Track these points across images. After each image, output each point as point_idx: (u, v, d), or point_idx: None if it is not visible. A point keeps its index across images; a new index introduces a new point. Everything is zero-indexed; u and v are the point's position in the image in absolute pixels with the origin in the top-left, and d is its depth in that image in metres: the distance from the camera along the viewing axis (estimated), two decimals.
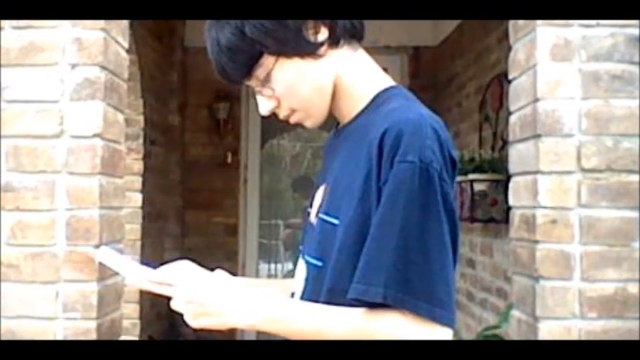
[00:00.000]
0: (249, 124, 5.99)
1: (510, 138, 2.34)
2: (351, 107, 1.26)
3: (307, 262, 1.25)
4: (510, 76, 2.34)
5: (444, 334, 1.07)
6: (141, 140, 4.64)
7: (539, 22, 2.11)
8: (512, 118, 2.32)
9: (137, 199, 4.57)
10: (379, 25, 5.44)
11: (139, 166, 4.62)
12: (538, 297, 2.06)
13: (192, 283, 1.19)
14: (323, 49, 1.21)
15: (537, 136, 2.09)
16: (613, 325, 2.03)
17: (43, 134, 2.12)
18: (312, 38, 1.20)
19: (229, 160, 5.83)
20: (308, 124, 1.29)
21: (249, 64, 1.21)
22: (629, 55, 2.10)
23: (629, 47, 2.10)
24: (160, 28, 5.16)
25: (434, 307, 1.05)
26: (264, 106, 1.27)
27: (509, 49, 2.36)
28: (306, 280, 1.24)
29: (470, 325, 4.60)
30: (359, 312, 1.09)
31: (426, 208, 1.06)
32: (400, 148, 1.07)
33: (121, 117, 2.32)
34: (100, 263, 1.33)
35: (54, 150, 2.12)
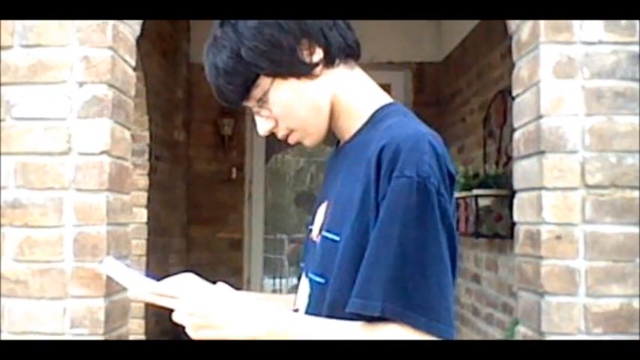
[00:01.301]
0: (253, 139, 6.01)
1: (514, 154, 2.35)
2: (350, 125, 1.27)
3: (310, 279, 1.26)
4: (514, 93, 2.36)
5: None
6: (146, 156, 4.66)
7: (542, 39, 2.13)
8: (516, 135, 2.33)
9: (143, 214, 4.59)
10: (383, 41, 5.48)
11: (144, 181, 4.64)
12: (543, 313, 2.07)
13: (194, 296, 1.19)
14: (318, 69, 1.22)
15: (541, 153, 2.11)
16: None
17: (51, 151, 2.14)
18: (307, 59, 1.21)
19: (234, 175, 5.85)
20: (307, 143, 1.30)
21: (246, 86, 1.22)
22: (631, 72, 2.12)
23: (631, 64, 2.12)
24: (165, 44, 5.19)
25: (432, 321, 1.06)
26: (263, 127, 1.28)
27: (513, 65, 2.38)
28: (310, 296, 1.25)
29: None
30: (358, 325, 1.09)
31: (424, 222, 1.07)
32: (398, 164, 1.08)
33: (127, 134, 2.34)
34: (107, 275, 1.34)
35: (62, 167, 2.14)
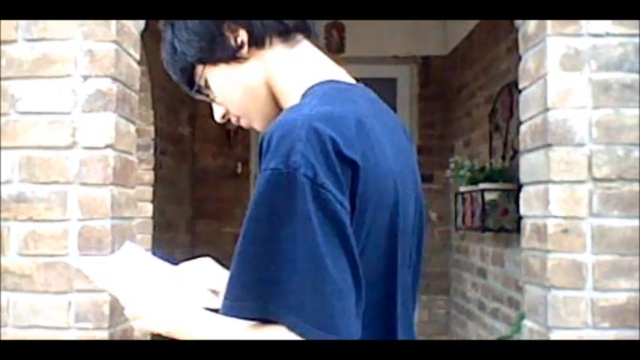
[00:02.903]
0: (259, 134, 6.00)
1: (521, 147, 2.34)
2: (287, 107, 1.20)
3: None
4: (520, 86, 2.34)
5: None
6: (151, 151, 4.66)
7: (548, 31, 2.12)
8: (523, 128, 2.32)
9: (148, 209, 4.59)
10: (388, 35, 5.46)
11: (149, 176, 4.64)
12: (550, 307, 2.06)
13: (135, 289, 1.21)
14: (244, 51, 1.18)
15: (548, 146, 2.09)
16: (625, 335, 2.02)
17: (56, 145, 2.14)
18: (232, 42, 1.18)
19: (239, 170, 5.84)
20: (256, 127, 1.26)
21: (188, 76, 1.24)
22: (638, 65, 2.10)
23: (638, 56, 2.10)
24: None
25: (313, 328, 0.94)
26: (216, 113, 1.28)
27: (519, 58, 2.37)
28: None
29: (481, 335, 4.59)
30: (245, 325, 1.02)
31: (292, 218, 0.95)
32: (267, 155, 0.98)
33: (132, 128, 2.33)
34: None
35: (66, 161, 2.13)
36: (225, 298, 1.00)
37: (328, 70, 1.21)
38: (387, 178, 1.04)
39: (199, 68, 1.22)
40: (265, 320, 0.96)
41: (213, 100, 1.26)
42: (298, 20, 1.20)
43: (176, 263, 1.34)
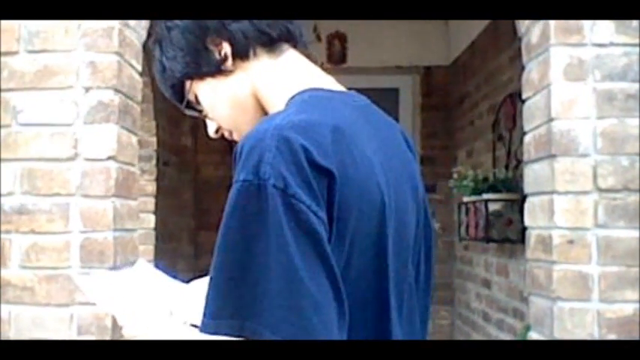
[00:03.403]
0: None
1: (525, 158, 2.33)
2: None
3: None
4: (524, 96, 2.33)
5: None
6: (154, 162, 4.66)
7: (552, 41, 2.11)
8: (527, 138, 2.30)
9: (150, 220, 4.58)
10: (391, 45, 5.46)
11: (151, 187, 4.63)
12: (556, 318, 2.04)
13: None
14: (228, 64, 1.17)
15: (552, 156, 2.08)
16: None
17: (58, 157, 2.13)
18: (216, 55, 1.17)
19: None
20: None
21: (178, 92, 1.24)
22: None
23: None
24: None
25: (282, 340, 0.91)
26: (209, 128, 1.27)
27: (522, 68, 2.36)
28: None
29: None
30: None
31: (264, 230, 0.92)
32: (238, 167, 0.96)
33: (134, 139, 2.32)
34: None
35: (68, 173, 2.13)
36: (203, 314, 0.96)
37: (313, 78, 1.18)
38: (370, 185, 1.01)
39: (187, 84, 1.22)
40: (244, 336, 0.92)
41: (205, 116, 1.25)
42: (282, 30, 1.18)
43: (186, 281, 1.32)
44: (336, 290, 0.94)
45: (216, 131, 1.26)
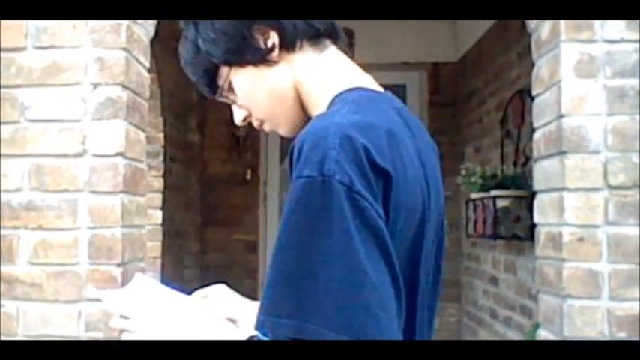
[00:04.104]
0: (268, 140, 5.99)
1: (535, 155, 2.31)
2: (316, 111, 1.17)
3: None
4: (534, 92, 2.32)
5: None
6: (161, 158, 4.66)
7: (562, 37, 2.09)
8: (537, 135, 2.29)
9: (157, 216, 4.58)
10: (398, 41, 5.45)
11: (158, 183, 4.63)
12: (566, 316, 2.03)
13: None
14: (274, 54, 1.16)
15: (563, 153, 2.07)
16: None
17: (66, 153, 2.13)
18: (261, 45, 1.16)
19: (249, 177, 5.83)
20: (281, 132, 1.24)
21: (210, 76, 1.21)
22: None
23: None
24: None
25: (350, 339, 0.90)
26: (237, 116, 1.24)
27: (532, 65, 2.34)
28: None
29: None
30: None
31: (330, 226, 0.91)
32: (299, 163, 0.95)
33: (142, 136, 2.32)
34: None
35: (76, 169, 2.12)
36: (259, 312, 0.95)
37: (356, 76, 1.18)
38: (416, 189, 1.02)
39: (224, 70, 1.19)
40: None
41: (233, 103, 1.23)
42: (328, 25, 1.18)
43: (189, 293, 1.29)
44: (397, 288, 0.95)
45: (244, 119, 1.24)
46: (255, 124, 1.24)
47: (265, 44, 1.16)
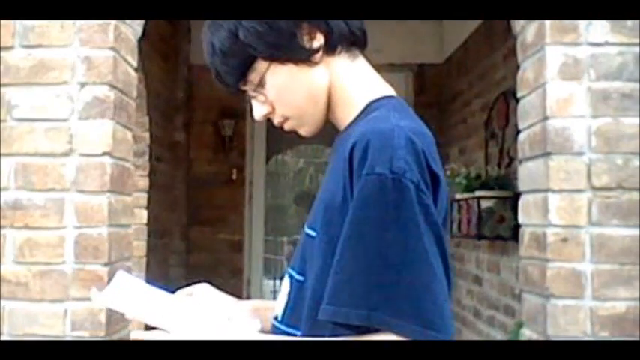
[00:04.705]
0: (254, 140, 6.00)
1: (520, 156, 2.34)
2: (345, 117, 1.21)
3: (291, 276, 1.21)
4: (519, 94, 2.34)
5: None
6: (146, 157, 4.65)
7: (547, 40, 2.12)
8: (522, 136, 2.31)
9: (143, 215, 4.57)
10: (384, 42, 5.46)
11: (144, 182, 4.62)
12: (549, 315, 2.05)
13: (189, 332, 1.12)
14: (318, 55, 1.17)
15: (547, 155, 2.09)
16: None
17: (53, 152, 2.12)
18: (306, 44, 1.16)
19: (234, 176, 5.83)
20: (302, 132, 1.25)
21: (243, 68, 1.18)
22: (638, 74, 2.10)
23: (637, 66, 2.10)
24: (166, 45, 5.18)
25: (426, 330, 0.96)
26: (259, 112, 1.24)
27: (517, 67, 2.37)
28: (289, 294, 1.20)
29: None
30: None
31: (401, 221, 0.98)
32: (368, 161, 1.00)
33: (129, 135, 2.32)
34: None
35: (63, 168, 2.12)
36: (328, 303, 1.01)
37: (385, 85, 1.24)
38: (446, 195, 1.09)
39: (262, 64, 1.18)
40: (366, 327, 0.98)
41: (255, 97, 1.23)
42: (362, 34, 1.23)
43: (172, 291, 1.29)
44: (449, 283, 1.02)
45: (264, 115, 1.24)
46: (277, 121, 1.24)
47: (311, 44, 1.17)
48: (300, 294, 1.15)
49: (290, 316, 1.17)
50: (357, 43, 1.23)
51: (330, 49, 1.19)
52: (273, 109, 1.22)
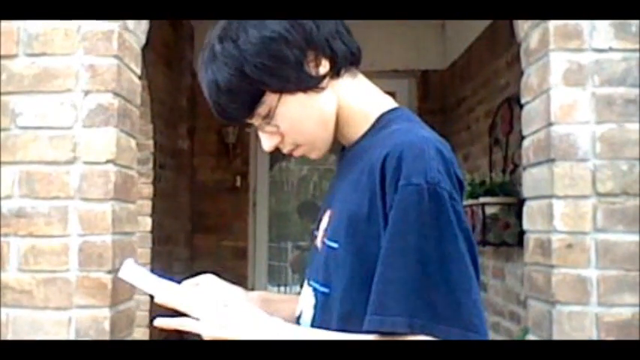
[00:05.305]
0: (257, 147, 5.99)
1: (524, 162, 2.33)
2: (354, 132, 1.24)
3: (315, 288, 1.22)
4: (523, 101, 2.33)
5: None
6: (150, 164, 4.65)
7: (551, 46, 2.11)
8: (526, 142, 2.31)
9: (147, 223, 4.57)
10: (387, 49, 5.47)
11: (148, 190, 4.62)
12: (555, 322, 2.04)
13: (222, 309, 1.13)
14: (325, 81, 1.19)
15: (552, 161, 2.09)
16: None
17: (57, 160, 2.13)
18: (313, 72, 1.17)
19: (238, 183, 5.83)
20: (313, 155, 1.27)
21: (252, 103, 1.17)
22: None
23: None
24: (169, 53, 5.19)
25: (467, 332, 1.00)
26: (268, 143, 1.23)
27: (521, 73, 2.36)
28: (315, 307, 1.21)
29: None
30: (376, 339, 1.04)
31: (440, 229, 1.02)
32: (403, 172, 1.04)
33: (133, 143, 2.32)
34: (122, 279, 1.26)
35: (67, 176, 2.12)
36: (375, 313, 1.04)
37: (387, 97, 1.27)
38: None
39: (272, 97, 1.17)
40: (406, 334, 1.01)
41: (262, 129, 1.22)
42: (358, 50, 1.26)
43: (178, 281, 1.30)
44: (478, 285, 1.06)
45: (275, 146, 1.24)
46: (287, 149, 1.24)
47: (317, 71, 1.18)
48: (326, 305, 1.17)
49: (319, 328, 1.17)
50: (354, 61, 1.26)
51: (335, 72, 1.21)
52: (283, 138, 1.23)
